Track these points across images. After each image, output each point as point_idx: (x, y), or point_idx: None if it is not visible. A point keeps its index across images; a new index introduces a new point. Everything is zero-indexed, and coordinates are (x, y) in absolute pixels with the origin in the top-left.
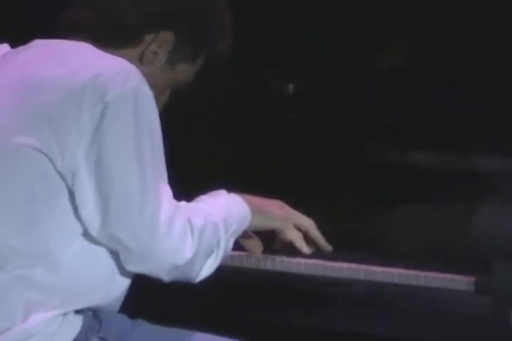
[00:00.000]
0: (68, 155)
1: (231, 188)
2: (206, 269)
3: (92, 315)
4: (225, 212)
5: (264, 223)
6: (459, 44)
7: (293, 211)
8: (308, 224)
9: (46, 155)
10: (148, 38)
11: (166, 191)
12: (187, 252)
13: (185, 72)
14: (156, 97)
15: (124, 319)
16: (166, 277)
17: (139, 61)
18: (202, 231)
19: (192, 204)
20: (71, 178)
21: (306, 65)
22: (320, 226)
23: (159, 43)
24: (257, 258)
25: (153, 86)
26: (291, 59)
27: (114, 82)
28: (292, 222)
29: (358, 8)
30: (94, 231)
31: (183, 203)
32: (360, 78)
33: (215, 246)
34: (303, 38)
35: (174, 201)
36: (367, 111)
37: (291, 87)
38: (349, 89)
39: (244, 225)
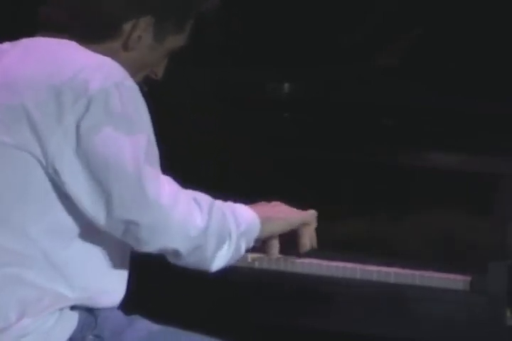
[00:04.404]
0: (54, 154)
1: (226, 187)
2: (220, 259)
3: (88, 312)
4: (232, 210)
5: (285, 227)
6: (458, 44)
7: (292, 210)
8: (314, 216)
9: (31, 155)
10: (127, 26)
11: (165, 178)
12: (198, 222)
13: (176, 40)
14: (152, 70)
15: (119, 315)
16: (182, 249)
17: (124, 49)
18: (210, 208)
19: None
20: (60, 176)
21: (301, 65)
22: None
23: (141, 29)
24: (253, 258)
25: (144, 65)
26: (286, 58)
27: (96, 77)
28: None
29: (354, 8)
30: (101, 223)
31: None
32: (355, 77)
33: (227, 236)
34: (297, 38)
35: (177, 185)
36: (362, 111)
37: (286, 87)
38: (344, 89)
39: (255, 231)
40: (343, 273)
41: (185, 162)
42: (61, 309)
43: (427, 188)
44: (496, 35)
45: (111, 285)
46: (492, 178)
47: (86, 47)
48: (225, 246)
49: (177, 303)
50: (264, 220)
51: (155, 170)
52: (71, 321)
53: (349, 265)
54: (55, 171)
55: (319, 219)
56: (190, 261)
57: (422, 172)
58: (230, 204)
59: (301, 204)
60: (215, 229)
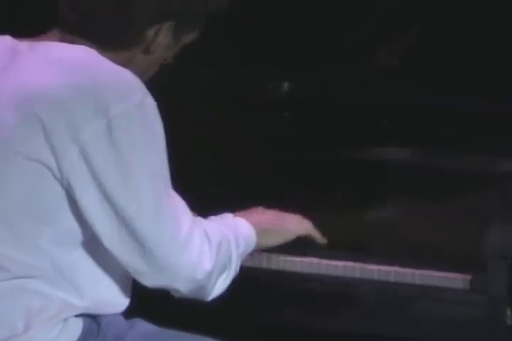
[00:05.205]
0: (69, 171)
1: (226, 187)
2: (218, 287)
3: (91, 319)
4: (234, 230)
5: (280, 241)
6: (458, 44)
7: (291, 220)
8: (312, 228)
9: (42, 165)
10: (150, 33)
11: (180, 203)
12: (206, 265)
13: (190, 37)
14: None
15: (121, 320)
16: (184, 289)
17: (144, 54)
18: (219, 245)
19: (205, 220)
20: (74, 193)
21: (301, 64)
22: (316, 225)
23: (163, 35)
24: (252, 257)
25: (157, 62)
26: (286, 58)
27: (116, 95)
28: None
29: (354, 8)
30: (113, 250)
31: (198, 218)
32: (355, 77)
33: (228, 264)
34: (297, 38)
35: (190, 213)
36: (362, 111)
37: (286, 86)
38: (344, 89)
39: (251, 246)
40: (343, 272)
41: (184, 162)
42: (66, 317)
43: (427, 188)
44: (495, 35)
45: (116, 294)
46: (492, 178)
47: (104, 54)
48: (224, 275)
49: (176, 303)
50: (261, 233)
51: (173, 202)
52: (76, 328)
53: (349, 264)
54: (70, 185)
55: (319, 218)
56: (190, 295)
57: (421, 172)
58: (231, 222)
59: (301, 204)
60: (219, 267)
